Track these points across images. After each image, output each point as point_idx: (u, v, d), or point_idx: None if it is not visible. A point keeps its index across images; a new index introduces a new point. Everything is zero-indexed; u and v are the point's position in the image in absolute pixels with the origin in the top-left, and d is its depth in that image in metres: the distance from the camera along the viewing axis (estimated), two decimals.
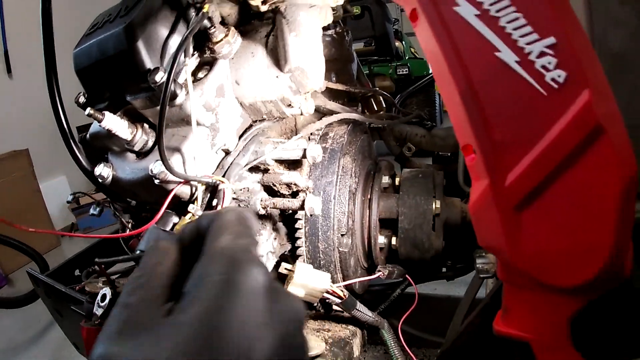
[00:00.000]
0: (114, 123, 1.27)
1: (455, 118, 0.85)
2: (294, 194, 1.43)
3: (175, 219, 1.27)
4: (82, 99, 1.45)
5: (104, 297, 1.38)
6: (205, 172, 1.29)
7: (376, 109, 2.03)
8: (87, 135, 1.50)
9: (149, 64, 1.24)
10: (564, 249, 0.81)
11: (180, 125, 1.29)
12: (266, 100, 1.32)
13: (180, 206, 1.29)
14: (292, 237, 1.48)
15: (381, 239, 1.61)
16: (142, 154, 1.37)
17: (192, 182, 1.26)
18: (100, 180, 1.39)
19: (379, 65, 6.15)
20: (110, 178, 1.39)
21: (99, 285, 1.62)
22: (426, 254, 1.59)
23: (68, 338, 2.00)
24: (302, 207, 1.29)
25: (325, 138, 1.53)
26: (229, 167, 1.31)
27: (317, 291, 1.31)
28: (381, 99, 2.04)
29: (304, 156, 1.31)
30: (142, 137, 1.33)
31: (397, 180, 1.69)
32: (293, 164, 1.42)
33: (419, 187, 1.60)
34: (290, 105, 1.31)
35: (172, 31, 1.27)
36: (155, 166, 1.21)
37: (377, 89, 1.96)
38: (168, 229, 1.25)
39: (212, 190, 1.26)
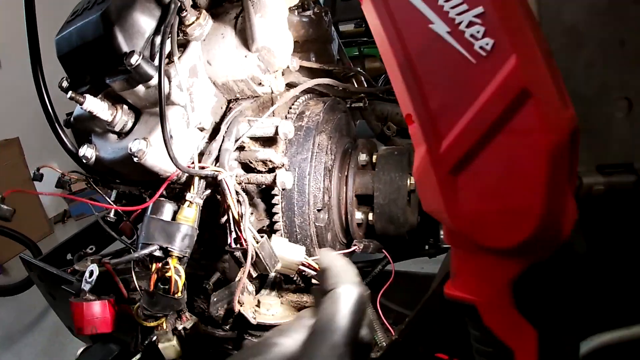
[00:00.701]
0: (95, 105, 1.37)
1: (397, 90, 0.93)
2: (270, 171, 1.52)
3: (172, 207, 1.35)
4: (65, 84, 1.55)
5: (91, 273, 1.49)
6: (183, 150, 1.38)
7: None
8: (71, 119, 1.60)
9: (125, 47, 1.33)
10: (497, 211, 0.88)
11: (156, 105, 1.38)
12: (237, 79, 1.41)
13: (172, 192, 1.38)
14: (269, 213, 1.57)
15: (358, 215, 1.70)
16: (122, 134, 1.46)
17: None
18: (84, 161, 1.49)
19: (369, 47, 6.21)
20: (93, 158, 1.49)
21: (87, 263, 1.73)
22: (401, 228, 1.67)
23: (62, 321, 2.11)
24: (274, 182, 1.38)
25: (302, 116, 1.62)
26: (218, 153, 1.40)
27: (293, 264, 1.39)
28: (362, 79, 2.12)
29: (277, 133, 1.40)
30: (122, 118, 1.42)
31: (374, 157, 1.78)
32: (268, 142, 1.51)
33: (394, 164, 1.68)
34: (260, 83, 1.40)
35: (147, 16, 1.36)
36: (133, 145, 1.30)
37: (358, 69, 2.04)
38: (167, 216, 1.33)
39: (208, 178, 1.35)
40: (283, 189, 1.39)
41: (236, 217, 1.30)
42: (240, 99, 1.49)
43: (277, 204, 1.54)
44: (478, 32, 0.81)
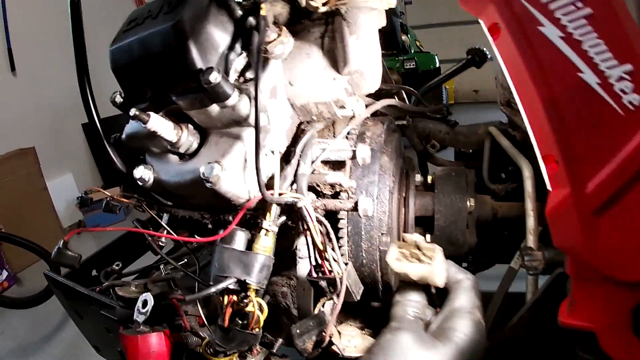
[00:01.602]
0: (160, 124, 1.32)
1: (537, 129, 0.95)
2: (336, 194, 1.51)
3: (245, 235, 1.31)
4: (118, 98, 1.49)
5: (145, 303, 1.44)
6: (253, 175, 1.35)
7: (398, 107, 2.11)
8: (124, 136, 1.54)
9: (199, 63, 1.29)
10: (634, 248, 0.93)
11: (229, 126, 1.35)
12: (319, 101, 1.39)
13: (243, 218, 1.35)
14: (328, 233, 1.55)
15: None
16: (186, 156, 1.42)
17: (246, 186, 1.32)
18: (140, 183, 1.44)
19: (385, 59, 6.18)
20: (151, 181, 1.44)
21: (132, 289, 1.68)
22: (460, 250, 1.69)
23: (88, 340, 2.04)
24: (354, 209, 1.36)
25: (363, 137, 1.61)
26: (294, 178, 1.37)
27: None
28: (404, 95, 2.12)
29: (354, 157, 1.39)
30: (188, 138, 1.38)
31: (429, 178, 1.79)
32: (337, 164, 1.49)
33: (453, 185, 1.70)
34: (343, 106, 1.39)
35: (220, 30, 1.32)
36: (206, 169, 1.26)
37: (405, 85, 2.04)
38: (240, 245, 1.30)
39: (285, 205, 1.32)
40: (364, 216, 1.38)
41: (319, 245, 1.28)
42: (313, 121, 1.47)
43: (342, 228, 1.52)
44: (627, 87, 0.86)
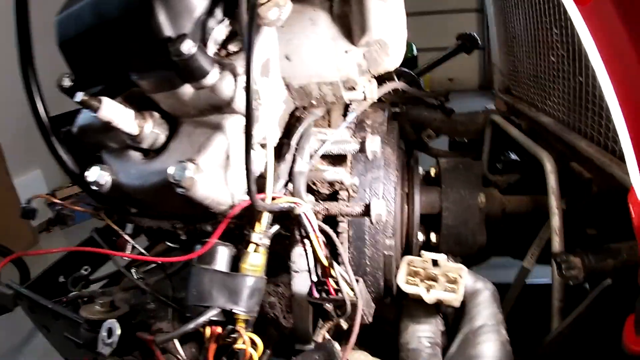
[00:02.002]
0: (116, 112, 0.92)
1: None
2: (335, 193, 1.14)
3: (228, 252, 0.94)
4: (66, 82, 1.05)
5: (110, 332, 1.05)
6: (243, 174, 0.96)
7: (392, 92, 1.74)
8: (75, 129, 1.12)
9: (167, 30, 0.89)
10: None
11: (207, 113, 0.96)
12: (324, 81, 0.99)
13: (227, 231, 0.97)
14: (330, 241, 1.19)
15: (420, 237, 1.35)
16: (151, 152, 1.02)
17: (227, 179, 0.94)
18: (94, 188, 1.03)
19: None
20: (108, 184, 1.02)
21: (96, 308, 1.27)
22: (469, 250, 1.36)
23: (59, 353, 1.63)
24: (365, 214, 0.99)
25: (363, 126, 1.23)
26: (289, 177, 1.00)
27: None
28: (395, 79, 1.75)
29: (362, 150, 1.01)
30: (153, 130, 0.98)
31: (432, 171, 1.43)
32: (338, 159, 1.12)
33: (462, 179, 1.36)
34: (352, 88, 1.00)
35: None
36: (176, 170, 0.87)
37: (406, 69, 1.66)
38: (223, 265, 0.93)
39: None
40: (377, 222, 1.01)
41: (323, 260, 0.91)
42: (311, 106, 1.08)
43: (342, 233, 1.15)
44: None
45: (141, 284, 1.22)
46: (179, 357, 1.10)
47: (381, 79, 1.48)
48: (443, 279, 0.97)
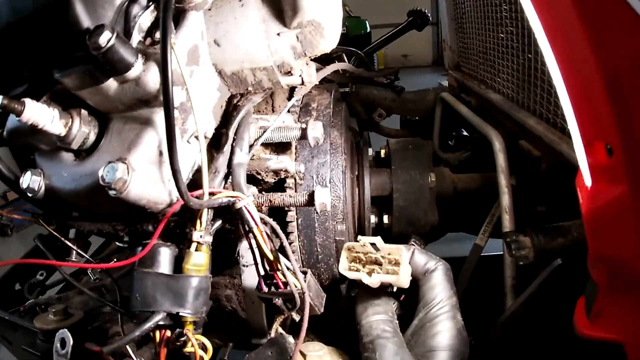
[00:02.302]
0: (39, 114, 0.84)
1: (585, 109, 0.60)
2: (280, 182, 1.10)
3: (170, 252, 0.89)
4: None
5: (63, 343, 0.99)
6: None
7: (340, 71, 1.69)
8: (5, 133, 1.04)
9: (86, 21, 0.82)
10: None
11: (135, 108, 0.89)
12: (257, 66, 0.93)
13: (168, 230, 0.91)
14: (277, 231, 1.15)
15: (372, 219, 1.33)
16: (82, 153, 0.95)
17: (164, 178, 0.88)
18: (30, 194, 0.96)
19: None
20: (42, 190, 0.95)
21: (50, 318, 1.20)
22: (421, 230, 1.34)
23: None
24: (310, 203, 0.95)
25: (308, 110, 1.19)
26: (229, 170, 0.94)
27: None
28: (345, 58, 1.70)
29: (304, 137, 0.97)
30: (81, 129, 0.91)
31: (382, 151, 1.40)
32: (281, 146, 1.07)
33: (412, 160, 1.33)
34: (289, 72, 0.95)
35: None
36: (106, 171, 0.81)
37: (350, 48, 1.61)
38: (166, 267, 0.88)
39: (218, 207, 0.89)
40: (321, 211, 0.97)
41: (268, 254, 0.87)
42: (248, 93, 1.02)
43: (291, 222, 1.12)
44: None
45: (87, 291, 1.16)
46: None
47: (329, 60, 1.43)
48: (385, 261, 0.94)
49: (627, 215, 0.59)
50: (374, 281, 0.91)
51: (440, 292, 0.96)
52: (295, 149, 1.13)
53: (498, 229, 1.37)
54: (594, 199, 0.63)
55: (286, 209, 1.11)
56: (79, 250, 1.08)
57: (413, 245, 1.18)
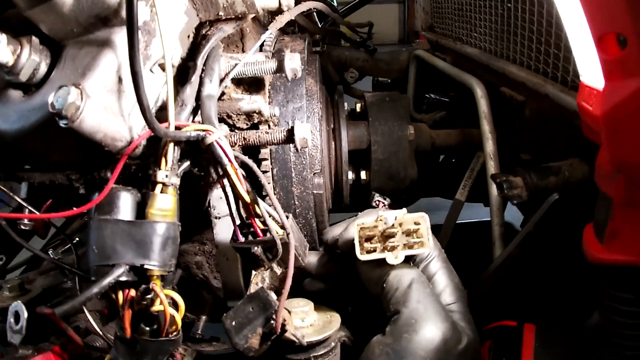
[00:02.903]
0: None
1: (596, 0, 0.50)
2: (254, 126, 0.99)
3: (132, 197, 0.76)
4: None
5: (17, 316, 0.85)
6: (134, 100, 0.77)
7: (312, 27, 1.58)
8: None
9: None
10: None
11: (92, 29, 0.76)
12: None
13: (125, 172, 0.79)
14: (254, 182, 1.04)
15: (350, 174, 1.24)
16: (32, 87, 0.81)
17: (125, 117, 0.76)
18: None
19: None
20: None
21: (5, 295, 1.06)
22: (401, 184, 1.26)
23: None
24: (289, 139, 0.84)
25: (281, 55, 1.08)
26: (198, 102, 0.82)
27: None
28: (315, 16, 1.60)
29: (280, 69, 0.86)
30: (31, 58, 0.76)
31: (357, 106, 1.31)
32: (254, 86, 0.96)
33: (390, 111, 1.24)
34: None
35: None
36: (57, 97, 0.68)
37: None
38: (127, 213, 0.75)
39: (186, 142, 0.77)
40: (301, 148, 0.86)
41: (245, 196, 0.76)
42: (218, 20, 0.89)
43: (267, 171, 1.01)
44: None
45: (45, 256, 1.02)
46: (94, 327, 0.93)
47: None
48: (399, 232, 0.82)
49: None
50: (399, 260, 0.79)
51: (429, 249, 0.85)
52: (269, 92, 1.03)
53: (476, 189, 1.31)
54: (609, 98, 0.56)
55: (260, 157, 1.00)
56: (29, 207, 0.95)
57: (379, 202, 1.10)
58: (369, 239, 0.80)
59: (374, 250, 0.80)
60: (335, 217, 1.28)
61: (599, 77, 0.57)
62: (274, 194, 1.02)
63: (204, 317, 1.21)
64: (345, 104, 1.28)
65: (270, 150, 1.00)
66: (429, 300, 0.75)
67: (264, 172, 1.00)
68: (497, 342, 0.97)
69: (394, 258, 0.78)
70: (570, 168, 0.92)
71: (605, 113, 0.56)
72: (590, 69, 0.61)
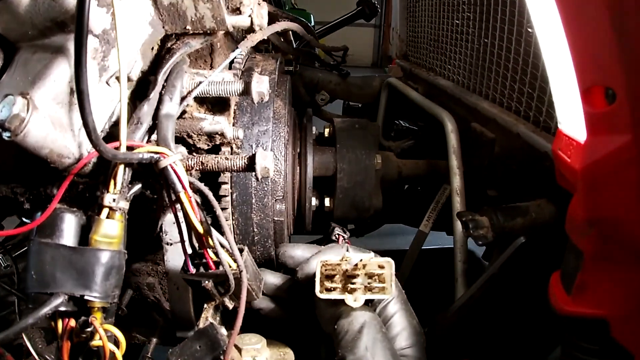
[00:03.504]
0: None
1: (587, 51, 0.50)
2: (215, 148, 0.93)
3: (76, 220, 0.70)
4: None
5: None
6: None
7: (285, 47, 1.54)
8: None
9: None
10: None
11: (48, 34, 0.70)
12: None
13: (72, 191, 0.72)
14: (209, 207, 0.98)
15: (314, 201, 1.19)
16: None
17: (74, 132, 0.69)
18: None
19: None
20: None
21: None
22: (365, 213, 1.23)
23: None
24: (250, 167, 0.78)
25: (251, 75, 1.03)
26: (155, 121, 0.76)
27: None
28: (290, 35, 1.55)
29: (247, 92, 0.81)
30: None
31: (326, 131, 1.27)
32: (218, 106, 0.91)
33: (359, 139, 1.21)
34: (237, 9, 0.78)
35: None
36: (2, 107, 0.61)
37: (302, 19, 1.45)
38: (70, 238, 0.69)
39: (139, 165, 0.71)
40: (262, 178, 0.81)
41: (198, 226, 0.71)
42: (186, 34, 0.83)
43: (225, 196, 0.95)
44: None
45: None
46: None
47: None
48: (362, 274, 0.77)
49: (630, 169, 0.50)
50: (359, 302, 0.75)
51: (390, 295, 0.80)
52: (235, 113, 0.98)
53: (441, 218, 1.29)
54: (590, 153, 0.54)
55: (220, 181, 0.94)
56: None
57: (339, 235, 1.05)
58: (330, 276, 0.76)
59: (334, 290, 0.76)
60: (295, 238, 1.24)
61: (580, 128, 0.55)
62: (233, 219, 0.97)
63: (154, 340, 1.14)
64: (314, 128, 1.24)
65: (232, 176, 0.95)
66: (379, 347, 0.71)
67: (223, 196, 0.95)
68: None
69: (353, 300, 0.74)
70: (538, 209, 0.91)
71: (585, 167, 0.54)
72: (570, 119, 0.59)
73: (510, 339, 1.01)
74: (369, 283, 0.74)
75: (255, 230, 0.98)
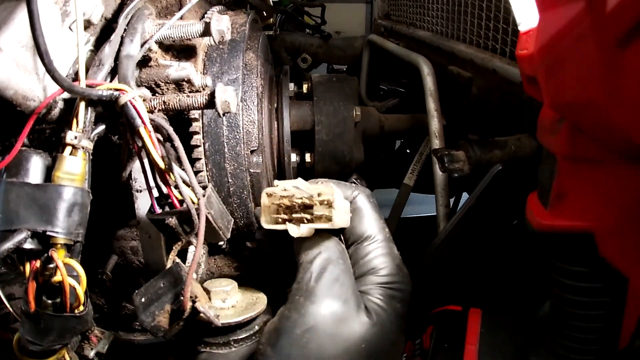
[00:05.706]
0: None
1: None
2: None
3: (41, 160, 0.72)
4: None
5: None
6: (56, 59, 0.72)
7: (265, 15, 1.55)
8: None
9: None
10: None
11: None
12: None
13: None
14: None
15: (293, 157, 1.20)
16: None
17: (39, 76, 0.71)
18: None
19: None
20: None
21: None
22: (346, 168, 1.23)
23: None
24: (210, 104, 0.79)
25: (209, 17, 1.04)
26: (115, 63, 0.77)
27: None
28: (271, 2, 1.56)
29: (207, 32, 0.82)
30: None
31: (304, 87, 1.28)
32: (184, 52, 0.92)
33: (336, 91, 1.21)
34: None
35: None
36: None
37: None
38: (35, 177, 0.71)
39: (99, 102, 0.72)
40: (225, 113, 0.81)
41: (159, 163, 0.72)
42: None
43: (198, 146, 0.97)
44: None
45: None
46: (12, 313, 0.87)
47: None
48: (317, 203, 0.76)
49: (586, 41, 0.47)
50: (303, 232, 0.73)
51: (369, 225, 0.79)
52: (204, 63, 0.99)
53: (427, 176, 1.29)
54: (545, 31, 0.51)
55: (190, 130, 0.96)
56: None
57: (355, 183, 1.06)
58: (281, 209, 0.76)
59: (282, 222, 0.75)
60: None
61: (534, 14, 0.54)
62: (207, 170, 0.98)
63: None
64: (292, 85, 1.24)
65: (203, 124, 0.96)
66: (327, 278, 0.71)
67: (195, 146, 0.96)
68: (439, 328, 0.94)
69: (296, 229, 0.73)
70: (518, 142, 0.90)
71: (542, 47, 0.51)
72: (526, 11, 0.58)
73: (495, 279, 1.01)
74: (320, 213, 0.74)
75: (230, 180, 1.00)
